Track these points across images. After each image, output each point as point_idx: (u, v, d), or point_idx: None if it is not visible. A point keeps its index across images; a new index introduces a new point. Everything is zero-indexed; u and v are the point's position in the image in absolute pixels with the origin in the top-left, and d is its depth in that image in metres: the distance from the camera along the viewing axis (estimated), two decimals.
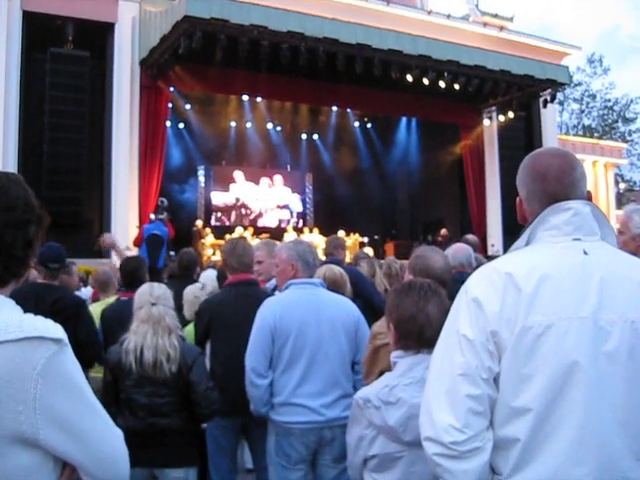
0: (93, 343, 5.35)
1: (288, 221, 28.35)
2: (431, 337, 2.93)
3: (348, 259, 11.53)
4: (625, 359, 2.08)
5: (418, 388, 2.85)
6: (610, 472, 2.03)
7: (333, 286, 5.53)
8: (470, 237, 8.40)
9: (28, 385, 1.74)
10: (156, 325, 4.39)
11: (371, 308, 6.49)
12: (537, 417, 2.06)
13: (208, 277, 7.77)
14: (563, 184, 2.31)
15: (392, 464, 2.93)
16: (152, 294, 4.51)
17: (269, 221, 28.27)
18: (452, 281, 4.19)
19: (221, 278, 6.41)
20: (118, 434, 1.99)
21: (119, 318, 5.27)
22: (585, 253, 2.18)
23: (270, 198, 28.71)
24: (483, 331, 2.12)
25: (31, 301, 4.83)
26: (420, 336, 2.95)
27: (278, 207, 28.77)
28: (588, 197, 2.35)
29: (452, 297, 2.37)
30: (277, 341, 4.59)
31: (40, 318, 1.84)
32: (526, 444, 2.07)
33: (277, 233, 21.99)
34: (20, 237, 1.89)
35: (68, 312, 5.11)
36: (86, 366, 5.46)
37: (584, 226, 2.24)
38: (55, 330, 1.82)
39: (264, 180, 28.65)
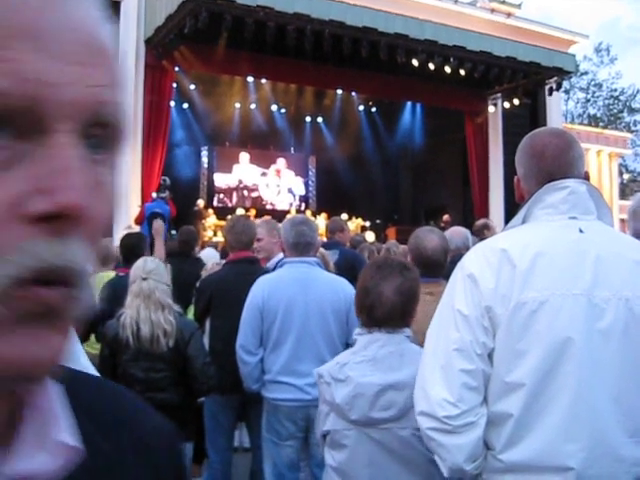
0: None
1: (291, 204, 28.35)
2: (380, 316, 2.89)
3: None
4: (619, 337, 2.09)
5: (369, 367, 2.84)
6: (602, 448, 2.05)
7: None
8: (481, 222, 8.36)
9: None
10: (147, 300, 4.40)
11: None
12: (530, 392, 2.07)
13: (208, 256, 7.80)
14: (560, 163, 2.31)
15: (342, 441, 2.91)
16: (144, 269, 4.52)
17: (279, 204, 28.27)
18: (450, 264, 4.18)
19: (224, 257, 6.44)
20: None
21: (116, 293, 5.29)
22: (581, 231, 2.19)
23: (278, 182, 28.73)
24: (478, 307, 2.13)
25: None
26: (370, 313, 2.92)
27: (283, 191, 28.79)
28: (585, 177, 2.36)
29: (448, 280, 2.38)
30: (266, 319, 4.63)
31: None
32: (519, 419, 2.09)
33: (280, 216, 21.98)
34: None
35: None
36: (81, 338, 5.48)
37: (580, 205, 2.25)
38: None
39: (273, 167, 28.67)
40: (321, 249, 6.00)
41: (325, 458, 3.05)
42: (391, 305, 2.85)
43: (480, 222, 7.74)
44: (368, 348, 2.90)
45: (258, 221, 6.59)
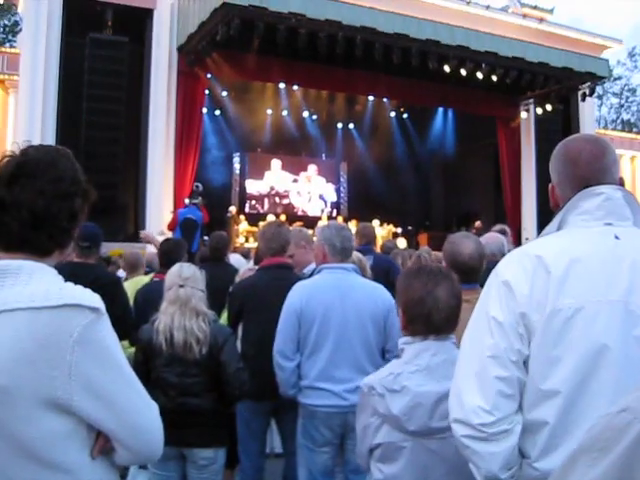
0: (126, 320, 5.37)
1: (322, 210, 28.33)
2: (439, 322, 2.86)
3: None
4: None
5: (423, 376, 2.80)
6: None
7: None
8: (497, 227, 8.31)
9: (64, 351, 1.79)
10: (183, 307, 4.41)
11: None
12: (566, 400, 2.06)
13: (235, 262, 7.84)
14: (594, 169, 2.30)
15: (396, 454, 2.86)
16: (181, 275, 4.53)
17: (310, 211, 28.22)
18: (486, 271, 4.14)
19: (257, 263, 6.45)
20: (153, 406, 2.04)
21: (151, 298, 5.33)
22: (617, 238, 2.17)
23: (309, 189, 28.72)
24: (513, 313, 2.12)
25: (68, 279, 4.83)
26: (428, 320, 2.87)
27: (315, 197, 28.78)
28: (620, 183, 2.34)
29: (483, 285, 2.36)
30: (303, 325, 4.63)
31: (79, 287, 1.90)
32: (554, 427, 2.07)
33: (312, 222, 21.95)
34: (66, 209, 1.95)
35: (105, 290, 5.05)
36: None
37: (616, 211, 2.23)
38: (93, 299, 1.87)
39: (303, 174, 28.65)
40: (358, 254, 5.98)
41: (372, 473, 3.00)
42: (449, 309, 2.84)
43: (496, 227, 7.70)
44: (419, 357, 2.86)
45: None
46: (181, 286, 4.48)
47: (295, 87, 23.94)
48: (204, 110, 21.12)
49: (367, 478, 4.79)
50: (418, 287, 2.93)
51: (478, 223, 21.37)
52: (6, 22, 43.09)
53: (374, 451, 2.97)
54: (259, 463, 5.42)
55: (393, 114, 28.47)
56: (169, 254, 6.29)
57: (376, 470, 2.96)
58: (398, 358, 3.00)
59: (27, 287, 1.84)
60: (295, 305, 4.66)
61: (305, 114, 27.30)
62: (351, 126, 29.07)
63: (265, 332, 4.82)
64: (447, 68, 19.24)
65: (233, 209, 22.16)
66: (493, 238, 5.82)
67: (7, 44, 38.67)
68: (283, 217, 22.82)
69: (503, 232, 6.87)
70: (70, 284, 1.91)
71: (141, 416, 1.98)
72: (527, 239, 22.47)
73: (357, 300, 4.67)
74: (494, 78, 19.98)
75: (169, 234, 14.33)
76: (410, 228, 25.95)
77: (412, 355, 2.88)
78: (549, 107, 23.05)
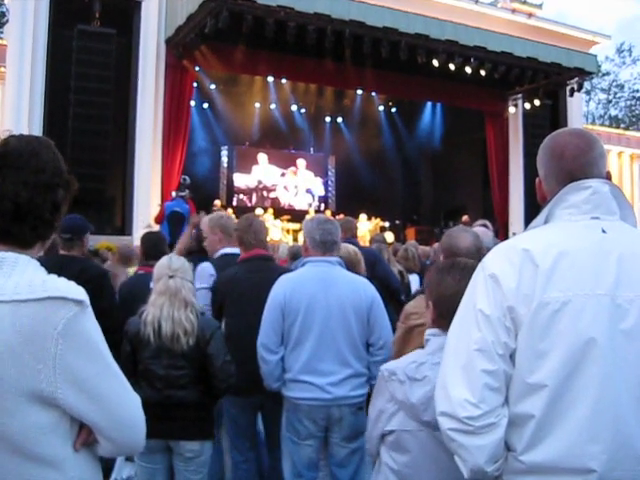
0: (113, 313, 5.33)
1: (310, 204, 28.29)
2: None
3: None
4: None
5: None
6: (625, 450, 2.03)
7: (349, 265, 5.54)
8: (479, 222, 8.29)
9: (49, 344, 1.78)
10: (172, 298, 4.40)
11: (387, 289, 6.51)
12: (552, 393, 2.05)
13: None
14: (580, 162, 2.30)
15: (408, 443, 2.86)
16: (170, 267, 4.52)
17: (298, 205, 28.17)
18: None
19: None
20: (136, 399, 2.03)
21: (135, 291, 5.31)
22: (603, 231, 2.17)
23: (296, 183, 28.66)
24: (500, 307, 2.12)
25: (54, 271, 4.77)
26: None
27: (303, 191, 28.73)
28: (608, 177, 2.34)
29: None
30: (287, 318, 4.62)
31: (63, 279, 1.88)
32: (541, 420, 2.07)
33: (299, 216, 21.90)
34: (49, 200, 1.93)
35: (93, 283, 5.02)
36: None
37: (603, 205, 2.23)
38: (77, 292, 1.86)
39: (291, 168, 28.56)
40: (354, 247, 5.98)
41: (383, 459, 2.99)
42: None
43: (478, 222, 7.71)
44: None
45: (205, 218, 6.59)
46: (171, 277, 4.48)
47: (283, 80, 23.90)
48: (192, 103, 21.02)
49: (360, 466, 4.80)
50: (451, 283, 2.93)
51: (465, 217, 21.37)
52: None
53: (386, 437, 2.97)
54: (251, 457, 5.41)
55: (382, 108, 28.42)
56: (152, 246, 6.26)
57: (389, 458, 2.95)
58: (422, 348, 2.99)
59: (10, 279, 1.83)
60: (279, 298, 4.65)
61: (293, 108, 27.24)
62: (339, 120, 29.04)
63: (248, 325, 4.82)
64: (436, 62, 19.24)
65: (218, 203, 22.08)
66: (486, 233, 5.82)
67: None
68: (271, 211, 22.82)
69: (485, 227, 6.88)
70: (54, 276, 1.89)
71: (125, 408, 1.98)
72: (514, 233, 22.51)
73: (341, 293, 4.66)
74: (483, 73, 19.99)
75: (156, 227, 14.29)
76: (398, 222, 25.98)
77: (437, 347, 2.84)
78: (537, 102, 23.07)
